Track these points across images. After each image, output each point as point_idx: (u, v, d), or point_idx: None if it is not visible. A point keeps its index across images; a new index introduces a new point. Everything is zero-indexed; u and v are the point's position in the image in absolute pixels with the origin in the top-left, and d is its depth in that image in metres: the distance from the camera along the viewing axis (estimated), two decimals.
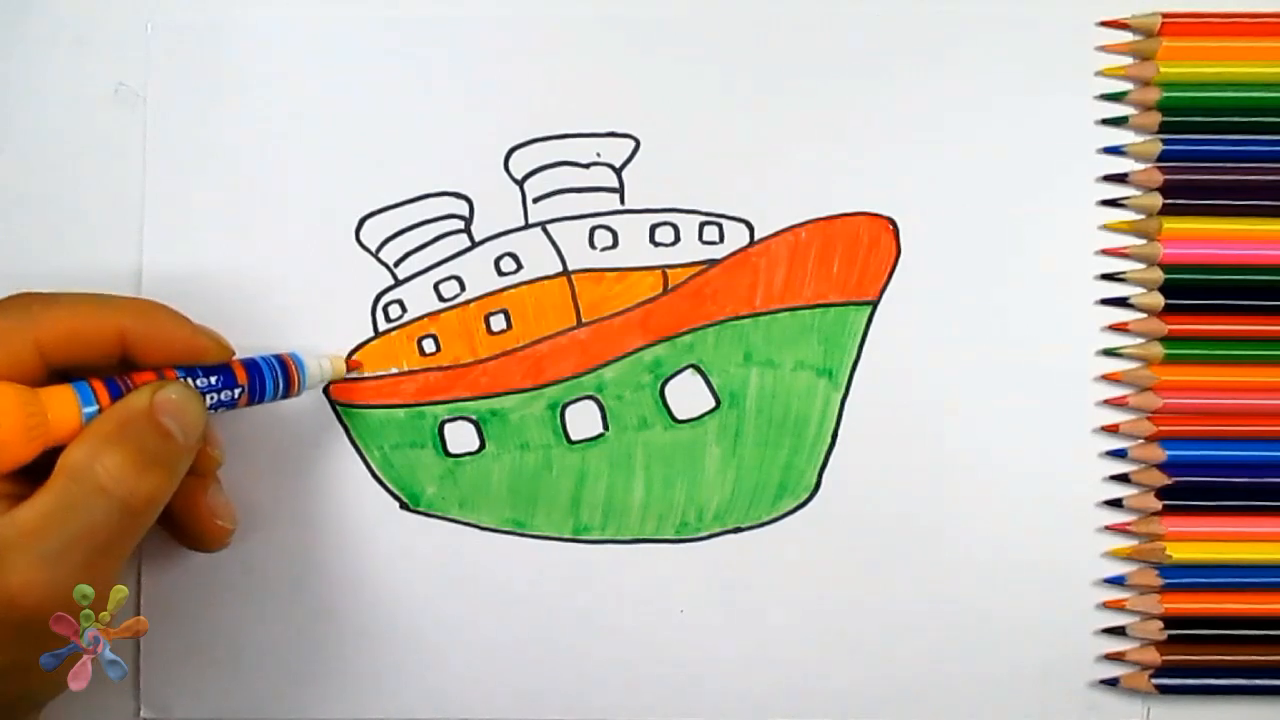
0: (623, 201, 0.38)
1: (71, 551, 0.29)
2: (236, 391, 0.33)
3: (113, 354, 0.32)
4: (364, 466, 0.38)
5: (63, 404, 0.30)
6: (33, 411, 0.29)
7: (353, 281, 0.38)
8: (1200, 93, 0.38)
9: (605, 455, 0.38)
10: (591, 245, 0.38)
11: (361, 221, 0.38)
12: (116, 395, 0.30)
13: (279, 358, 0.35)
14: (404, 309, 0.38)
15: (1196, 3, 0.38)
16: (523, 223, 0.38)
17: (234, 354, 0.34)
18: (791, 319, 0.38)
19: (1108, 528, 0.38)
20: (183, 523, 0.34)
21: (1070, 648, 0.38)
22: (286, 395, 0.35)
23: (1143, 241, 0.38)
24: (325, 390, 0.38)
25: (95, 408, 0.30)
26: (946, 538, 0.38)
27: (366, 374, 0.38)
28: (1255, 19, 0.37)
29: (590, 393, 0.38)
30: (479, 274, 0.38)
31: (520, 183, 0.38)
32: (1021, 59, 0.38)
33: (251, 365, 0.34)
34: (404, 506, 0.38)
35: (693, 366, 0.38)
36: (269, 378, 0.34)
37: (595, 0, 0.38)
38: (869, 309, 0.38)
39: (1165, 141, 0.37)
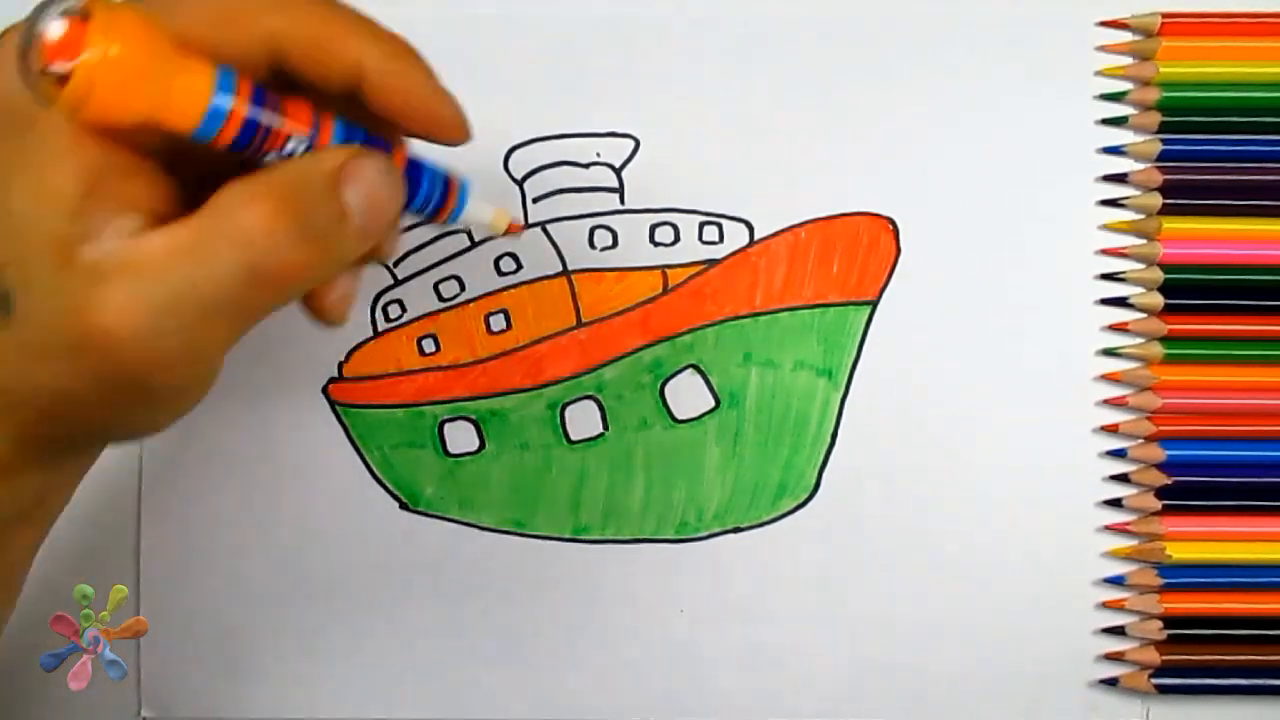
0: (622, 201, 0.38)
1: (184, 302, 0.24)
2: None
3: (334, 82, 0.25)
4: (364, 466, 0.38)
5: (193, 79, 0.23)
6: (152, 64, 0.22)
7: None
8: (1200, 93, 0.38)
9: (605, 455, 0.38)
10: (591, 245, 0.38)
11: None
12: (261, 105, 0.24)
13: (446, 175, 0.28)
14: (404, 309, 0.38)
15: (1196, 3, 0.38)
16: (522, 222, 0.38)
17: (469, 140, 0.28)
18: (791, 319, 0.38)
19: (1107, 527, 0.38)
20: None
21: (1070, 647, 0.38)
22: (433, 219, 0.28)
23: (1142, 241, 0.38)
24: (325, 390, 0.38)
25: (228, 102, 0.23)
26: (946, 537, 0.38)
27: (366, 374, 0.38)
28: (1255, 19, 0.37)
29: (590, 393, 0.38)
30: (479, 274, 0.38)
31: (520, 182, 0.38)
32: (1021, 59, 0.38)
33: (412, 166, 0.27)
34: (404, 506, 0.38)
35: (692, 366, 0.38)
36: (424, 188, 0.27)
37: (595, 0, 0.38)
38: (869, 309, 0.38)
39: (1165, 141, 0.37)
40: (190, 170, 0.25)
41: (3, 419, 0.25)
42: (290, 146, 0.24)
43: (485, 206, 0.30)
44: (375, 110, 0.26)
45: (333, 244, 0.25)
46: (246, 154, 0.24)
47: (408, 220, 0.28)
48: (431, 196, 0.28)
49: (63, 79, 0.21)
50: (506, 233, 0.31)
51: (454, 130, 0.27)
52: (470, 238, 0.38)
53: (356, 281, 0.29)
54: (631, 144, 0.38)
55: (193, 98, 0.23)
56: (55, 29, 0.21)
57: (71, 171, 0.24)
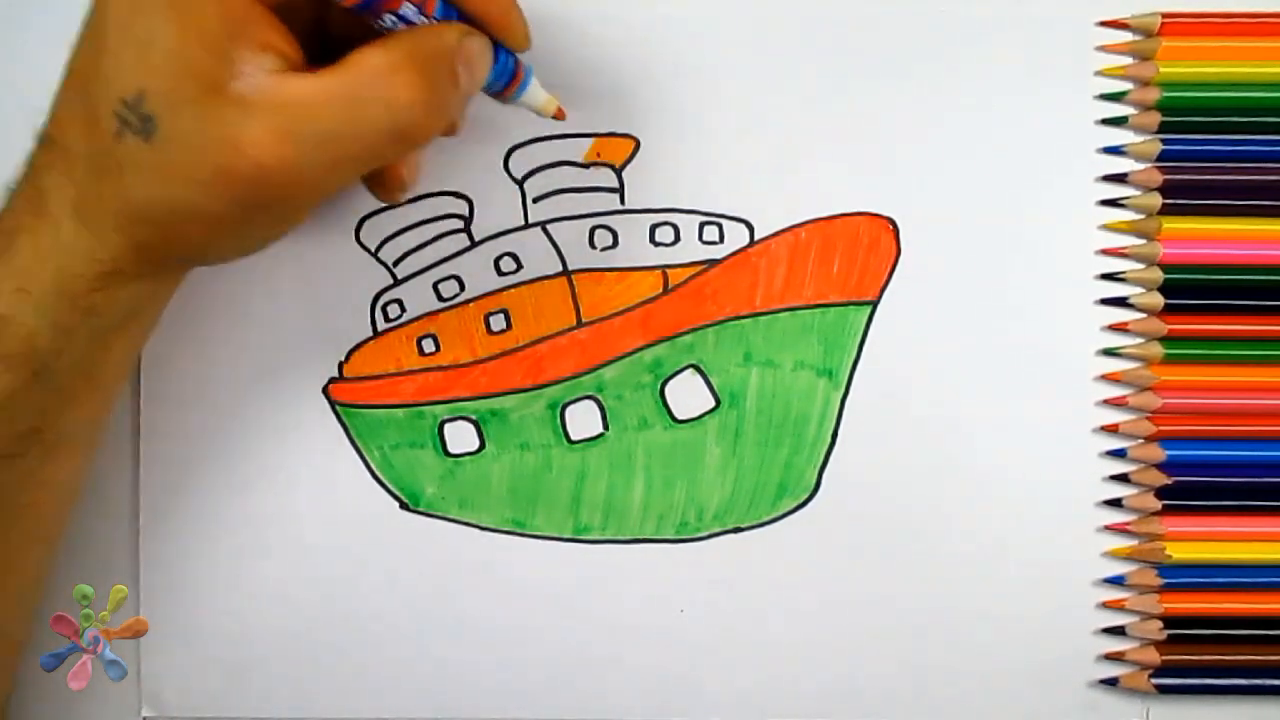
0: (623, 201, 0.38)
1: (329, 144, 0.28)
2: None
3: None
4: (364, 466, 0.38)
5: None
6: None
7: (352, 281, 0.38)
8: (1200, 93, 0.38)
9: (605, 455, 0.38)
10: (591, 245, 0.38)
11: (361, 221, 0.38)
12: None
13: (515, 58, 0.33)
14: (403, 309, 0.38)
15: (1196, 3, 0.38)
16: (523, 222, 0.38)
17: (528, 47, 0.33)
18: (791, 319, 0.38)
19: (1107, 527, 0.38)
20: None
21: (1070, 647, 0.38)
22: (502, 93, 0.33)
23: (1142, 241, 0.38)
24: (325, 390, 0.38)
25: None
26: (946, 537, 0.38)
27: (366, 374, 0.38)
28: (1255, 19, 0.37)
29: (590, 393, 0.38)
30: (478, 274, 0.38)
31: (520, 182, 0.38)
32: (1021, 59, 0.38)
33: (494, 47, 0.32)
34: (404, 506, 0.38)
35: (693, 366, 0.38)
36: (499, 65, 0.32)
37: (595, 0, 0.38)
38: (869, 309, 0.38)
39: (1165, 141, 0.37)
40: (297, 26, 0.29)
41: (129, 229, 0.29)
42: (403, 10, 0.28)
43: (541, 91, 0.34)
44: (460, 7, 0.30)
45: (447, 109, 0.30)
46: (368, 12, 0.28)
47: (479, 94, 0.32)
48: (503, 74, 0.32)
49: None
50: (554, 117, 0.35)
51: (520, 39, 0.32)
52: (470, 238, 0.38)
53: (422, 155, 0.34)
54: (631, 144, 0.38)
55: None
56: None
57: (219, 15, 0.27)
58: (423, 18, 0.29)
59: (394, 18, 0.29)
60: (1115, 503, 0.38)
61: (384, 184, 0.34)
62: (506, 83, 0.33)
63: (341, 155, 0.29)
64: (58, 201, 0.29)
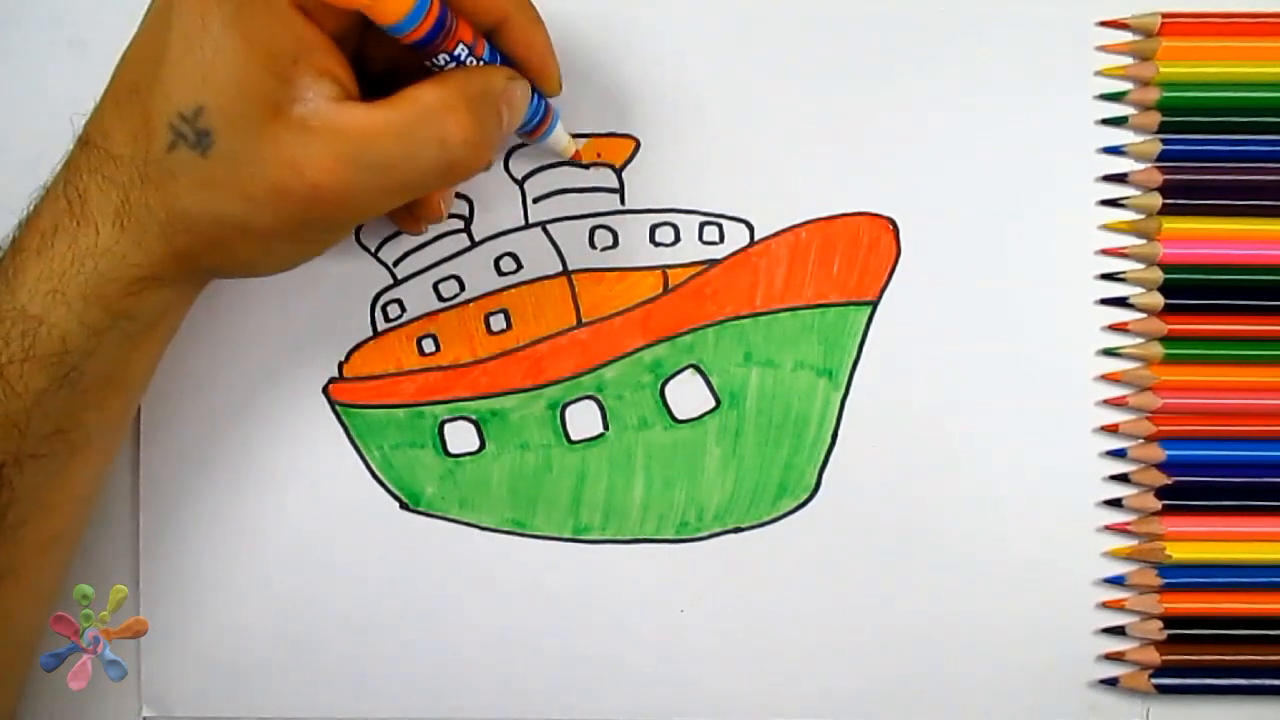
0: (623, 201, 0.38)
1: (383, 173, 0.29)
2: None
3: (483, 20, 0.31)
4: (364, 466, 0.38)
5: None
6: None
7: (352, 281, 0.38)
8: (1200, 93, 0.38)
9: (605, 455, 0.38)
10: (591, 245, 0.38)
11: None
12: (440, 27, 0.29)
13: (546, 102, 0.35)
14: (403, 309, 0.38)
15: (1196, 3, 0.38)
16: (523, 222, 0.38)
17: (560, 93, 0.34)
18: (791, 319, 0.38)
19: (1107, 527, 0.38)
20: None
21: (1070, 648, 0.38)
22: (531, 133, 0.35)
23: (1142, 241, 0.38)
24: (325, 390, 0.38)
25: (427, 5, 0.28)
26: (946, 537, 0.38)
27: (366, 374, 0.38)
28: (1255, 19, 0.37)
29: (590, 393, 0.38)
30: (479, 274, 0.38)
31: (520, 182, 0.38)
32: (1021, 59, 0.38)
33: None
34: (404, 506, 0.38)
35: (693, 366, 0.38)
36: (532, 108, 0.34)
37: (596, 0, 0.38)
38: (869, 309, 0.38)
39: (1165, 141, 0.37)
40: (344, 55, 0.30)
41: (173, 238, 0.29)
42: (458, 50, 0.30)
43: (565, 134, 0.36)
44: (503, 52, 0.32)
45: (492, 148, 0.31)
46: (424, 50, 0.29)
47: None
48: (535, 116, 0.34)
49: None
50: (572, 159, 0.37)
51: (554, 84, 0.34)
52: (470, 238, 0.38)
53: (452, 192, 0.36)
54: (631, 144, 0.38)
55: (396, 6, 0.27)
56: None
57: (284, 39, 0.28)
58: (472, 58, 0.30)
59: (447, 57, 0.30)
60: (1115, 503, 0.38)
61: (415, 216, 0.35)
62: (537, 124, 0.35)
63: (393, 183, 0.30)
64: (99, 205, 0.29)
